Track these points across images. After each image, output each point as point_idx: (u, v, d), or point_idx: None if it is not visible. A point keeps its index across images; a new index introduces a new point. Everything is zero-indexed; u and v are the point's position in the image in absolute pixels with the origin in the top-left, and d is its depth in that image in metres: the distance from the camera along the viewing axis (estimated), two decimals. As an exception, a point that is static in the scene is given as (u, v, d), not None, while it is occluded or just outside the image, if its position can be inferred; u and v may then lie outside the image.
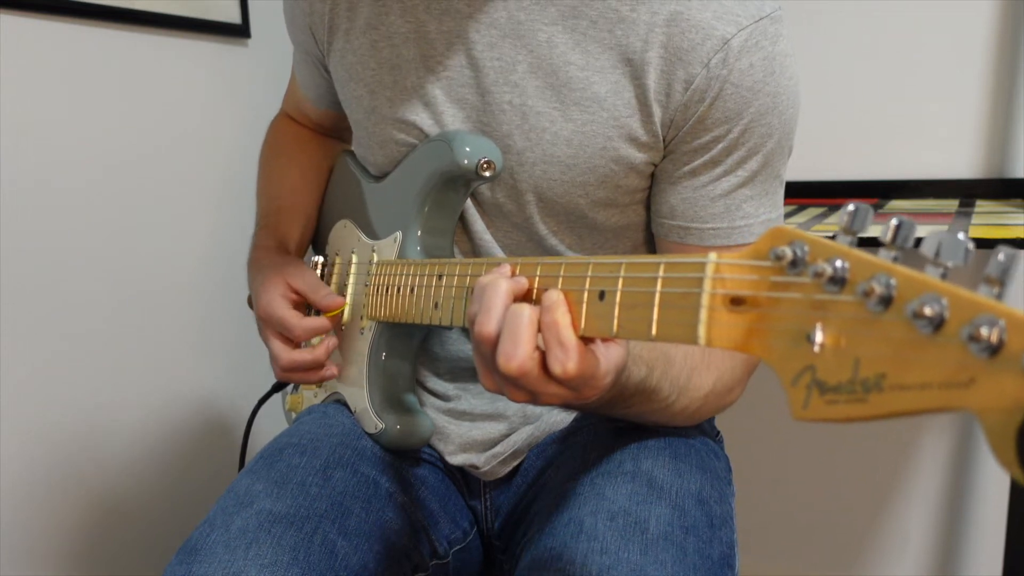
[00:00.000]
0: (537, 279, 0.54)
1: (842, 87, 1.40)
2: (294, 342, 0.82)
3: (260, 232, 0.94)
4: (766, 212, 0.75)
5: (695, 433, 0.81)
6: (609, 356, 0.54)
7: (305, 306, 0.86)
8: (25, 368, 1.17)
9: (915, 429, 1.45)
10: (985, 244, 0.98)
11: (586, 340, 0.52)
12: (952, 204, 1.29)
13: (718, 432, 0.89)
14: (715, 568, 0.67)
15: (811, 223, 1.18)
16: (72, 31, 1.18)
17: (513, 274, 0.56)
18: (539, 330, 0.51)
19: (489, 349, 0.53)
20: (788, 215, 1.27)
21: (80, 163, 1.21)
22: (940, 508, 1.46)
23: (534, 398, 0.54)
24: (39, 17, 1.14)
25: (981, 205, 1.26)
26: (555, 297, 0.51)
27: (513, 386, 0.53)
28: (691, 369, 0.69)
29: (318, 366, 0.82)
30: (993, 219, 1.12)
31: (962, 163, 1.35)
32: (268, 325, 0.83)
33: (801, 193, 1.44)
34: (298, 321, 0.80)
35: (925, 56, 1.35)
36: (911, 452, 1.47)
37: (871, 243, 0.66)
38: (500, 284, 0.54)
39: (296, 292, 0.84)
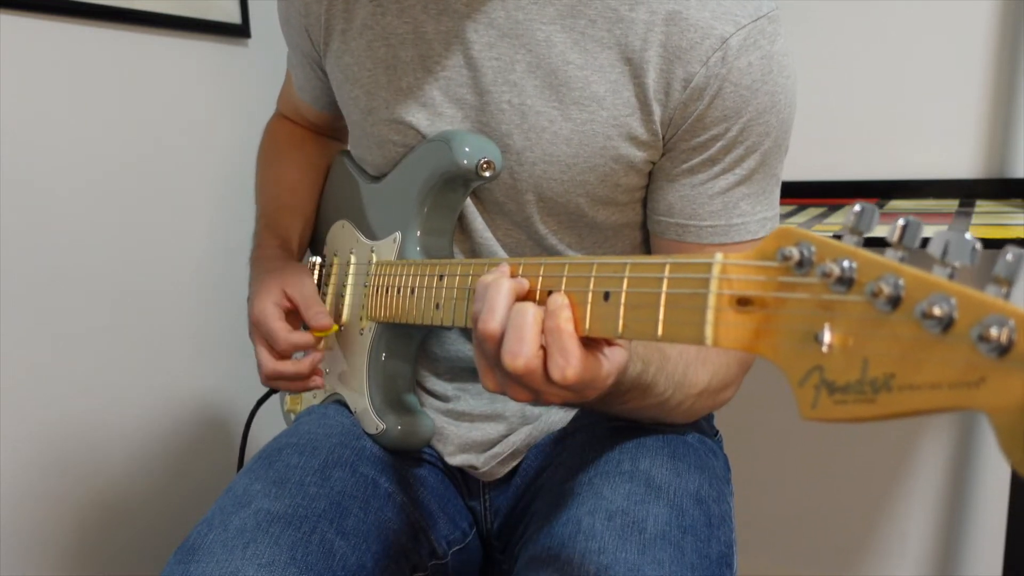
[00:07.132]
0: (540, 279, 0.54)
1: (842, 87, 1.40)
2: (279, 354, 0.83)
3: (263, 231, 0.94)
4: (763, 210, 0.75)
5: (694, 432, 0.81)
6: (613, 358, 0.54)
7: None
8: (23, 368, 1.16)
9: (915, 428, 1.45)
10: (985, 244, 0.98)
11: (591, 340, 0.52)
12: (952, 204, 1.29)
13: (717, 431, 0.89)
14: (713, 567, 0.67)
15: (811, 223, 1.18)
16: (72, 31, 1.18)
17: (514, 274, 0.56)
18: (542, 331, 0.51)
19: (493, 347, 0.53)
20: (788, 215, 1.27)
21: (80, 163, 1.21)
22: (940, 508, 1.46)
23: (536, 397, 0.54)
24: (39, 17, 1.14)
25: (981, 205, 1.26)
26: (560, 301, 0.51)
27: (516, 384, 0.53)
28: (686, 364, 0.69)
29: (301, 378, 0.82)
30: (993, 219, 1.12)
31: (962, 163, 1.35)
32: (257, 332, 0.83)
33: (801, 193, 1.43)
34: (285, 335, 0.80)
35: (925, 56, 1.35)
36: (911, 451, 1.47)
37: (877, 243, 0.65)
38: (503, 283, 0.54)
39: (291, 301, 0.84)
